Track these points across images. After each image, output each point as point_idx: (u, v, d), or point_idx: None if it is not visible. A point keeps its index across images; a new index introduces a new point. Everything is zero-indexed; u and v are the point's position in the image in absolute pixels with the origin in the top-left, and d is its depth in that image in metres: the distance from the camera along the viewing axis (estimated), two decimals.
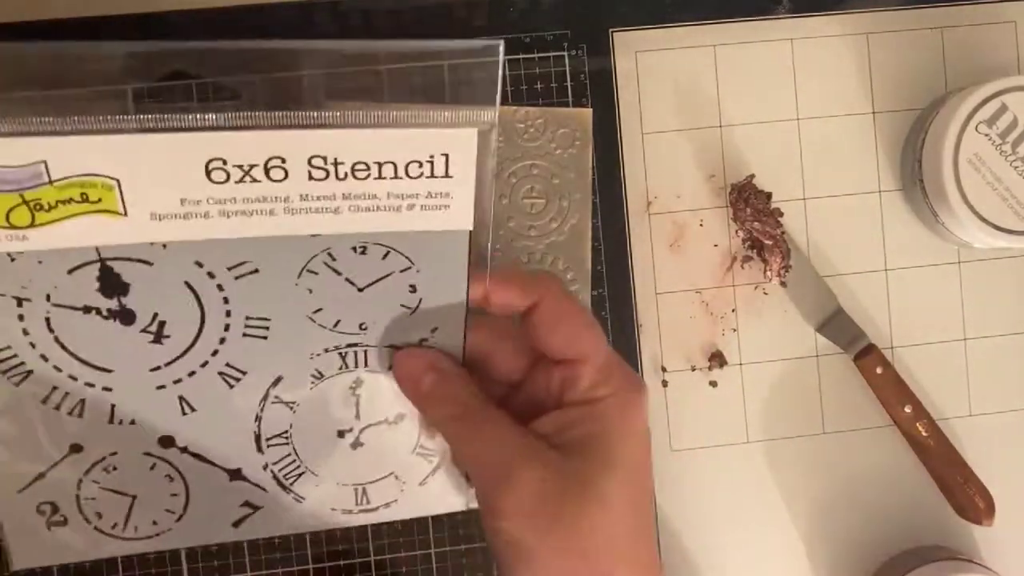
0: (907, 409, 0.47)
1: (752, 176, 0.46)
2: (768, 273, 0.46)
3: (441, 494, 0.40)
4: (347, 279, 0.35)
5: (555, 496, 0.32)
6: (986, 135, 0.43)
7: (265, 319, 0.35)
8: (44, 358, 0.35)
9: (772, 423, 0.48)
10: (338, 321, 0.36)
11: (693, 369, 0.47)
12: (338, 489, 0.39)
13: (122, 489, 0.38)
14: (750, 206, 0.46)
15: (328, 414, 0.38)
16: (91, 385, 0.36)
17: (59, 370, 0.35)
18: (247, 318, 0.35)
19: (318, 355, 0.37)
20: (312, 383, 0.37)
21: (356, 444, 0.38)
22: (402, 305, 0.36)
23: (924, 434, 0.47)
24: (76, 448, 0.37)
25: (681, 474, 0.47)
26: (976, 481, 0.47)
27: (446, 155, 0.32)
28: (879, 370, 0.47)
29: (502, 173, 0.46)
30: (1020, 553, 0.49)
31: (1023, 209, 0.44)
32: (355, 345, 0.37)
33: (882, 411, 0.48)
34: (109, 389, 0.36)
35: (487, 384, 0.37)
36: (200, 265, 0.34)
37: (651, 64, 0.47)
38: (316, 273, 0.35)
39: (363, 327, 0.36)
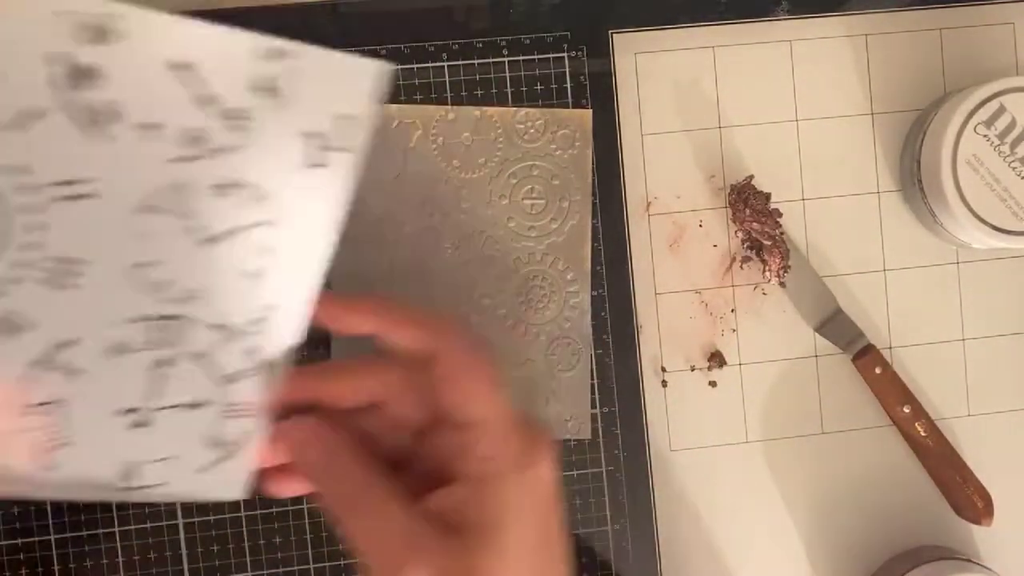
0: (906, 409, 0.47)
1: (751, 177, 0.47)
2: (767, 273, 0.46)
3: (220, 482, 0.34)
4: (190, 226, 0.30)
5: None
6: (984, 136, 0.44)
7: (79, 262, 0.29)
8: None
9: (771, 423, 0.48)
10: (163, 283, 0.31)
11: (692, 369, 0.47)
12: (106, 463, 0.32)
13: None
14: (749, 207, 0.46)
15: (117, 389, 0.32)
16: None
17: None
18: (55, 257, 0.29)
19: (125, 324, 0.31)
20: (109, 355, 0.31)
21: (139, 423, 0.33)
22: (243, 273, 0.31)
23: (923, 434, 0.47)
24: None
25: (680, 474, 0.47)
26: (975, 481, 0.47)
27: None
28: (878, 370, 0.47)
29: (502, 173, 0.46)
30: (1019, 553, 0.49)
31: (1021, 210, 0.44)
32: (175, 318, 0.31)
33: (881, 411, 0.48)
34: None
35: (386, 436, 0.34)
36: (17, 172, 0.28)
37: (651, 65, 0.47)
38: (155, 211, 0.29)
39: (193, 296, 0.31)
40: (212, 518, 0.45)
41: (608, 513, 0.47)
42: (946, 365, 0.48)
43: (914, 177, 0.46)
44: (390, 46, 0.45)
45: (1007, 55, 0.48)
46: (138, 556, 0.45)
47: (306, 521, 0.45)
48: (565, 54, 0.46)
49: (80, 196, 0.29)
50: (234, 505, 0.45)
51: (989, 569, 0.46)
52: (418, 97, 0.45)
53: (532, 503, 0.32)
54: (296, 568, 0.45)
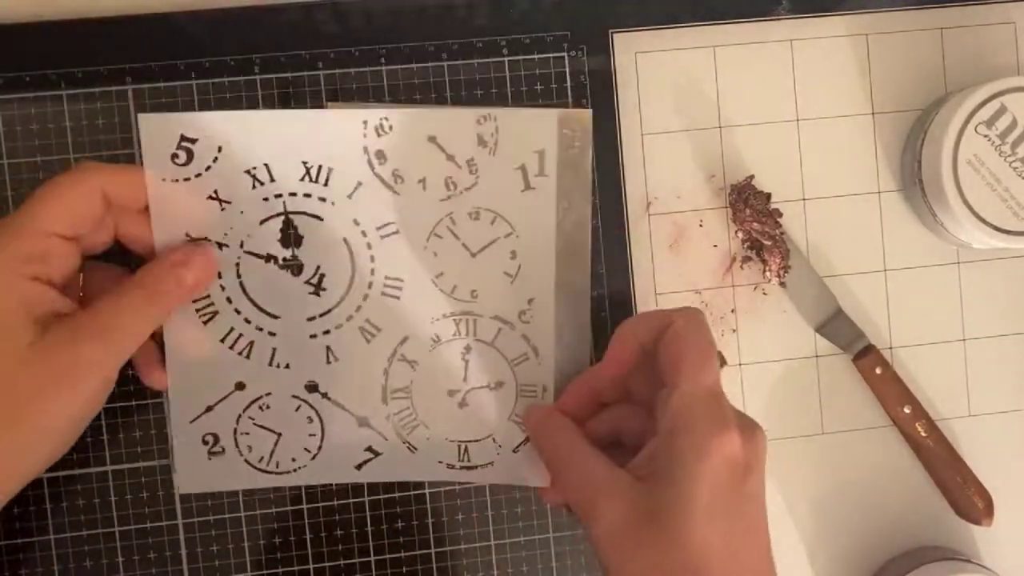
0: (906, 409, 0.47)
1: (752, 177, 0.46)
2: (767, 274, 0.46)
3: (532, 464, 0.44)
4: (464, 244, 0.43)
5: (633, 528, 0.34)
6: (985, 136, 0.44)
7: (399, 279, 0.43)
8: (229, 300, 0.42)
9: (772, 423, 0.48)
10: (455, 287, 0.43)
11: None
12: (445, 443, 0.44)
13: (271, 426, 0.43)
14: (749, 207, 0.46)
15: (441, 374, 0.44)
16: (260, 329, 0.42)
17: (238, 313, 0.42)
18: (386, 277, 0.43)
19: (437, 320, 0.43)
20: (431, 345, 0.44)
21: (462, 404, 0.44)
22: (505, 273, 0.43)
23: (923, 434, 0.47)
24: (240, 386, 0.43)
25: None
26: (975, 481, 0.47)
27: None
28: (878, 370, 0.47)
29: None
30: (1020, 553, 0.49)
31: (1022, 210, 0.44)
32: (468, 314, 0.44)
33: (881, 411, 0.48)
34: (273, 334, 0.43)
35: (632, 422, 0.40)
36: (357, 223, 0.42)
37: (651, 65, 0.47)
38: (441, 237, 0.43)
39: (474, 295, 0.43)
40: (212, 518, 0.45)
41: None
42: (946, 365, 0.48)
43: (915, 177, 0.46)
44: (390, 46, 0.45)
45: (1008, 55, 0.48)
46: (138, 556, 0.45)
47: (305, 521, 0.45)
48: (565, 54, 0.46)
49: (391, 233, 0.43)
50: (234, 505, 0.45)
51: (990, 570, 0.46)
52: (418, 97, 0.45)
53: (709, 471, 0.34)
54: (296, 568, 0.45)
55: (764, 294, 0.48)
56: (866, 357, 0.47)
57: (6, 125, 0.44)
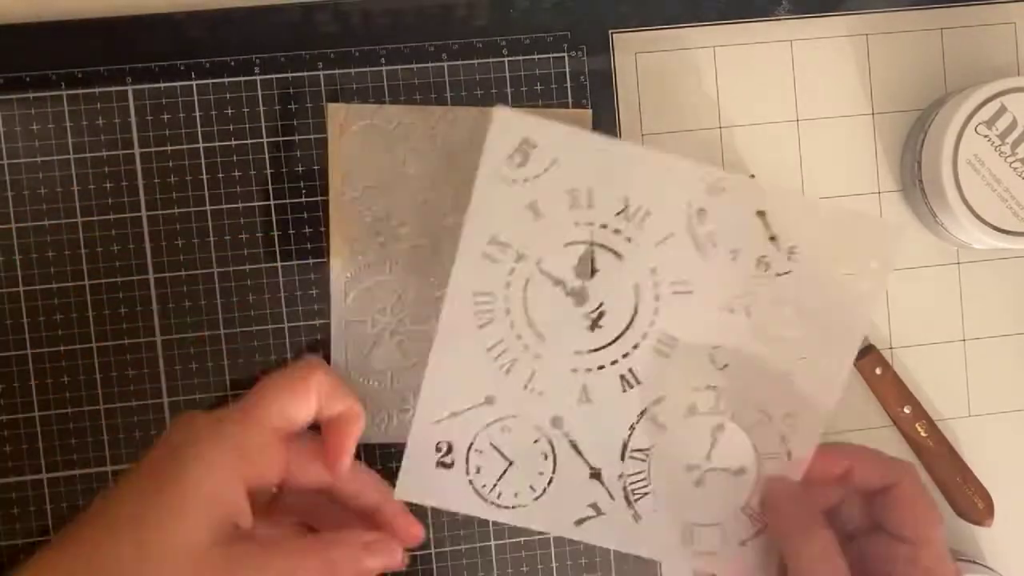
0: (906, 410, 0.47)
1: (752, 177, 0.46)
2: None
3: (757, 561, 0.42)
4: (754, 327, 0.41)
5: None
6: (985, 136, 0.44)
7: (675, 339, 0.41)
8: (508, 311, 0.41)
9: None
10: (727, 365, 0.41)
11: None
12: (670, 520, 0.42)
13: (506, 451, 0.42)
14: None
15: (687, 445, 0.42)
16: (527, 348, 0.41)
17: (512, 327, 0.41)
18: (663, 333, 0.41)
19: (700, 390, 0.41)
20: (686, 413, 0.42)
21: (699, 482, 0.42)
22: (784, 371, 0.41)
23: (923, 435, 0.47)
24: (490, 400, 0.42)
25: None
26: (975, 482, 0.47)
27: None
28: (878, 371, 0.47)
29: None
30: (1021, 553, 0.49)
31: (1022, 210, 0.44)
32: (730, 392, 0.41)
33: (881, 412, 0.48)
34: (538, 357, 0.41)
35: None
36: (654, 272, 0.41)
37: (651, 65, 0.47)
38: (732, 312, 0.41)
39: (745, 380, 0.41)
40: None
41: None
42: (946, 365, 0.48)
43: (915, 177, 0.46)
44: (390, 46, 0.45)
45: (1008, 55, 0.48)
46: None
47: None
48: (565, 54, 0.46)
49: (684, 292, 0.41)
50: None
51: (992, 570, 0.46)
52: (418, 97, 0.45)
53: None
54: None
55: None
56: (866, 357, 0.47)
57: (6, 125, 0.44)
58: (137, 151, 0.44)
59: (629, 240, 0.41)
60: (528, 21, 0.46)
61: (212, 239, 0.45)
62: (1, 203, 0.44)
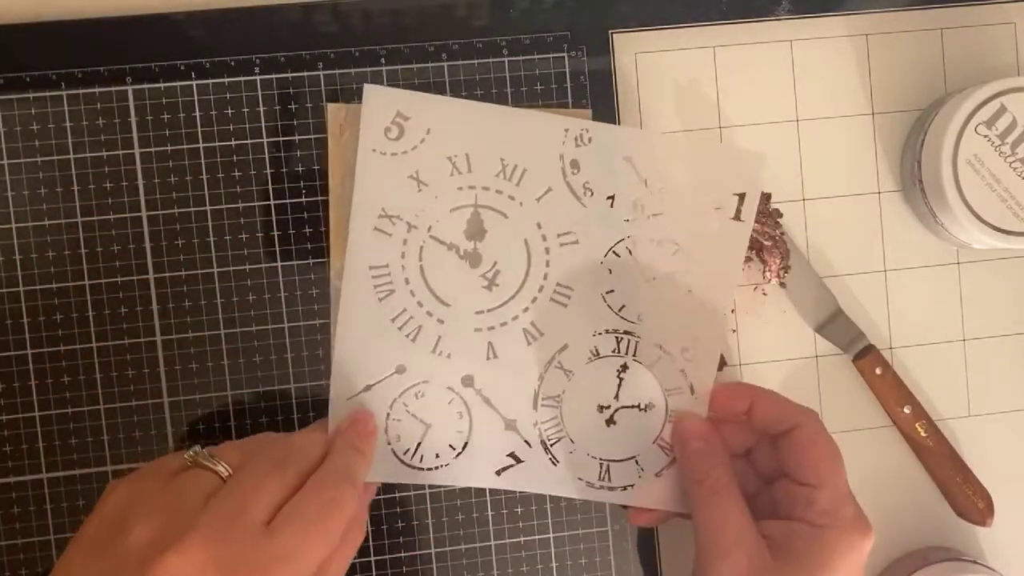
0: (906, 410, 0.47)
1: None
2: (767, 274, 0.46)
3: (674, 490, 0.44)
4: (640, 268, 0.43)
5: None
6: (985, 136, 0.44)
7: (570, 288, 0.43)
8: (407, 281, 0.43)
9: None
10: (623, 306, 0.43)
11: None
12: (587, 460, 0.44)
13: (422, 416, 0.44)
14: None
15: (594, 388, 0.44)
16: (430, 315, 0.43)
17: (413, 295, 0.43)
18: (558, 284, 0.43)
19: (600, 334, 0.44)
20: (589, 358, 0.44)
21: (610, 421, 0.44)
22: (677, 305, 0.43)
23: (923, 435, 0.47)
24: (400, 369, 0.43)
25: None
26: (975, 482, 0.47)
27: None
28: (878, 371, 0.47)
29: None
30: (1021, 553, 0.49)
31: (1022, 210, 0.44)
32: (630, 334, 0.44)
33: (881, 412, 0.48)
34: (442, 322, 0.43)
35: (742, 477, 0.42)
36: (539, 227, 0.43)
37: (651, 65, 0.47)
38: (619, 256, 0.43)
39: (640, 318, 0.43)
40: None
41: (608, 514, 0.47)
42: (946, 365, 0.48)
43: (915, 177, 0.46)
44: (390, 46, 0.45)
45: (1008, 55, 0.48)
46: None
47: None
48: (565, 54, 0.46)
49: (571, 243, 0.43)
50: None
51: (993, 570, 0.46)
52: None
53: (851, 564, 0.38)
54: None
55: (764, 294, 0.47)
56: (866, 357, 0.47)
57: (6, 125, 0.44)
58: (137, 151, 0.44)
59: (512, 199, 0.43)
60: (528, 21, 0.46)
61: (212, 239, 0.45)
62: (1, 203, 0.44)
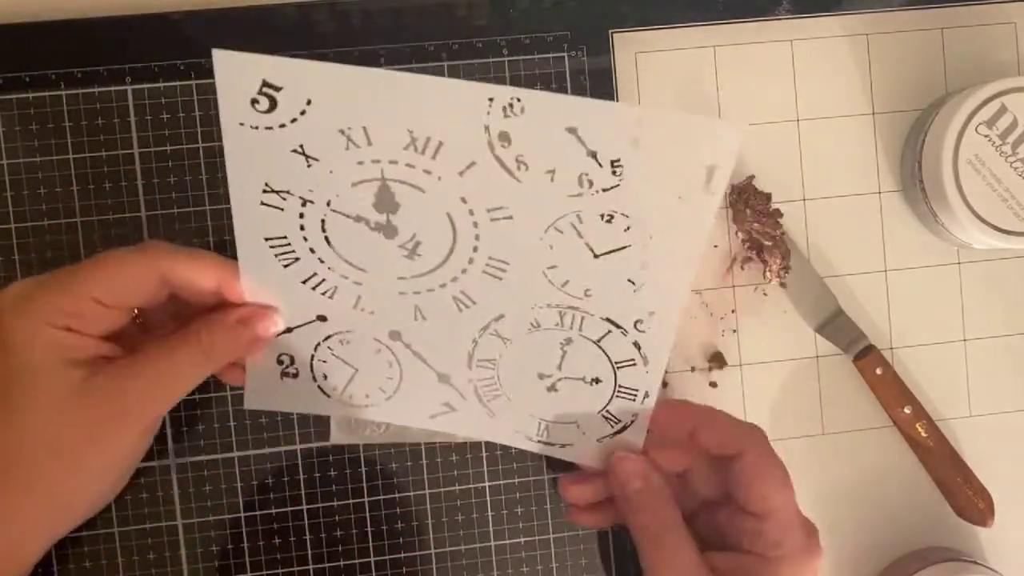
0: (907, 410, 0.47)
1: (752, 177, 0.46)
2: (768, 274, 0.46)
3: (610, 456, 0.42)
4: (587, 243, 0.39)
5: None
6: (986, 136, 0.44)
7: (505, 262, 0.39)
8: (312, 251, 0.39)
9: (772, 424, 0.48)
10: (567, 281, 0.39)
11: (693, 370, 0.47)
12: (525, 417, 0.42)
13: (349, 360, 0.42)
14: (750, 207, 0.46)
15: (534, 357, 0.41)
16: (345, 277, 0.39)
17: (322, 262, 0.39)
18: (490, 258, 0.39)
19: (540, 308, 0.40)
20: (529, 330, 0.41)
21: (552, 388, 0.42)
22: (629, 280, 0.39)
23: (924, 435, 0.47)
24: (322, 318, 0.40)
25: None
26: (975, 482, 0.47)
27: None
28: (879, 371, 0.47)
29: None
30: (1021, 553, 0.49)
31: (1023, 210, 0.44)
32: (575, 309, 0.40)
33: (882, 412, 0.48)
34: (359, 284, 0.39)
35: (680, 499, 0.40)
36: (464, 201, 0.38)
37: (651, 65, 0.47)
38: (561, 232, 0.38)
39: (588, 293, 0.40)
40: (212, 519, 0.45)
41: None
42: (947, 365, 0.48)
43: (915, 177, 0.46)
44: (390, 46, 0.45)
45: (1008, 55, 0.48)
46: (138, 556, 0.45)
47: (305, 522, 0.45)
48: (565, 54, 0.46)
49: (504, 218, 0.38)
50: (233, 505, 0.45)
51: (993, 570, 0.46)
52: None
53: None
54: (296, 568, 0.45)
55: (764, 294, 0.47)
56: (866, 357, 0.47)
57: (6, 125, 0.44)
58: (137, 151, 0.44)
59: (428, 173, 0.37)
60: (528, 21, 0.46)
61: (212, 239, 0.45)
62: (1, 203, 0.44)
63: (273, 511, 0.45)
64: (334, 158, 0.37)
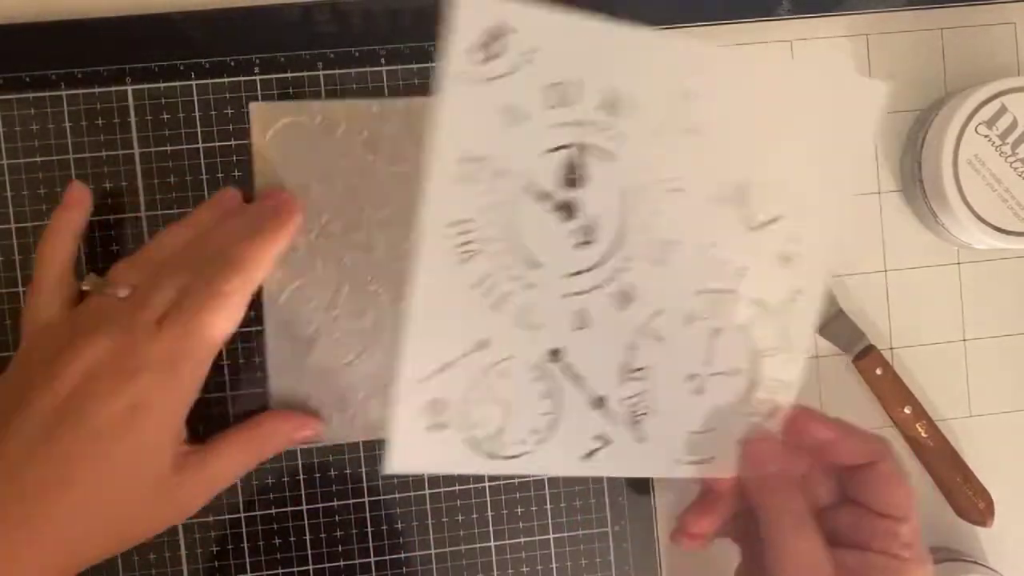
0: (906, 410, 0.47)
1: None
2: None
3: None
4: (745, 213, 0.37)
5: None
6: (986, 136, 0.44)
7: (669, 242, 0.37)
8: (491, 239, 0.36)
9: None
10: (726, 261, 0.38)
11: None
12: (676, 432, 0.39)
13: (504, 397, 0.38)
14: None
15: (686, 355, 0.39)
16: (517, 278, 0.36)
17: (499, 256, 0.36)
18: (658, 239, 0.37)
19: (700, 294, 0.38)
20: (684, 323, 0.38)
21: (699, 391, 0.39)
22: (781, 255, 0.38)
23: (923, 435, 0.47)
24: (482, 344, 0.37)
25: None
26: (975, 482, 0.47)
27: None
28: (878, 371, 0.47)
29: None
30: (1021, 553, 0.49)
31: (1022, 210, 0.44)
32: (730, 292, 0.38)
33: (882, 412, 0.48)
34: (532, 286, 0.37)
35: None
36: (647, 170, 0.36)
37: None
38: (722, 202, 0.37)
39: (741, 272, 0.38)
40: (212, 519, 0.45)
41: (608, 514, 0.47)
42: (948, 365, 0.48)
43: (915, 177, 0.46)
44: (390, 46, 0.45)
45: (1008, 55, 0.48)
46: (138, 556, 0.44)
47: (305, 522, 0.45)
48: None
49: (676, 189, 0.36)
50: (233, 505, 0.45)
51: (994, 571, 0.46)
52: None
53: None
54: (296, 569, 0.45)
55: None
56: (866, 358, 0.47)
57: (6, 125, 0.44)
58: (137, 151, 0.44)
59: (622, 138, 0.35)
60: None
61: None
62: (1, 203, 0.44)
63: (273, 511, 0.45)
64: (538, 117, 0.35)
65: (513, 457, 0.38)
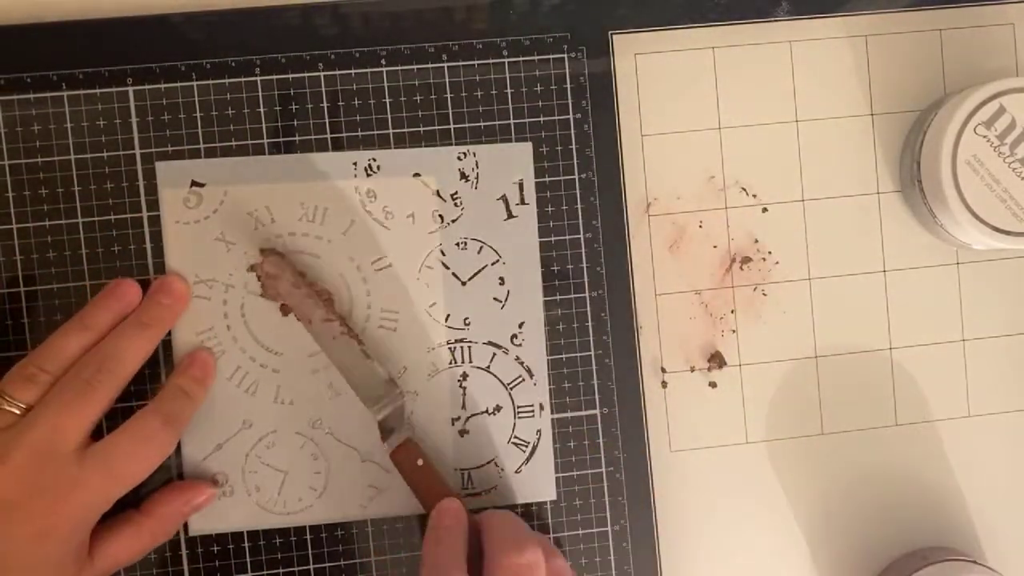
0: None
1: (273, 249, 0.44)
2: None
3: (533, 483, 0.46)
4: (453, 273, 0.45)
5: None
6: (984, 137, 0.44)
7: (394, 311, 0.45)
8: (235, 340, 0.44)
9: (771, 424, 0.48)
10: (448, 315, 0.45)
11: (692, 370, 0.47)
12: (448, 473, 0.45)
13: (277, 465, 0.45)
14: (282, 279, 0.44)
15: (441, 403, 0.45)
16: (264, 367, 0.44)
17: (243, 351, 0.44)
18: (382, 310, 0.44)
19: (433, 349, 0.45)
20: (429, 375, 0.45)
21: (463, 432, 0.45)
22: (495, 298, 0.45)
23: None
24: (247, 423, 0.44)
25: (681, 475, 0.47)
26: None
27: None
28: (420, 463, 0.44)
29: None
30: (1021, 553, 0.49)
31: (1021, 211, 0.44)
32: (462, 341, 0.45)
33: (882, 411, 0.48)
34: (277, 371, 0.44)
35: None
36: (352, 259, 0.44)
37: (650, 66, 0.47)
38: (431, 268, 0.45)
39: (467, 322, 0.45)
40: None
41: (608, 513, 0.47)
42: (946, 365, 0.48)
43: (914, 178, 0.46)
44: (390, 47, 0.45)
45: (1007, 56, 0.48)
46: (139, 560, 0.44)
47: (306, 522, 0.45)
48: (565, 55, 0.46)
49: (384, 267, 0.45)
50: None
51: (993, 570, 0.46)
52: (418, 99, 0.45)
53: None
54: (296, 568, 0.45)
55: (764, 294, 0.48)
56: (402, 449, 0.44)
57: (7, 125, 0.44)
58: (138, 152, 0.44)
59: (320, 239, 0.44)
60: (528, 23, 0.46)
61: None
62: (1, 203, 0.44)
63: None
64: (247, 239, 0.44)
65: (297, 512, 0.45)
